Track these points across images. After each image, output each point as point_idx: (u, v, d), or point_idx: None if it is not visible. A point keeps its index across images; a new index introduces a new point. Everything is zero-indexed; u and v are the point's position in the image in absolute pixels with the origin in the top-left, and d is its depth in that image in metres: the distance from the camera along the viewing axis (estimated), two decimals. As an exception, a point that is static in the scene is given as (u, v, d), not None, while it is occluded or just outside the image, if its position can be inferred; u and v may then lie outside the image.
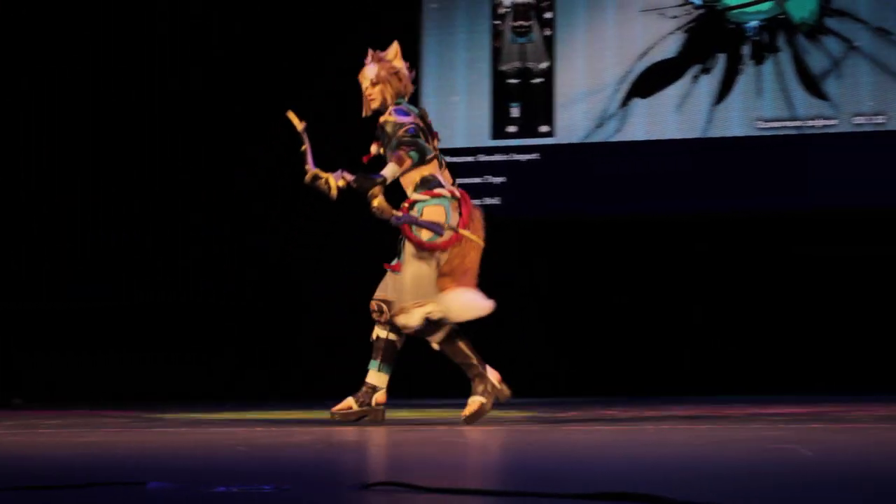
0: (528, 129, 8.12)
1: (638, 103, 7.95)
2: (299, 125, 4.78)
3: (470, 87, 8.19)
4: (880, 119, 7.63)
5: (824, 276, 7.63)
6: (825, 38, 7.74)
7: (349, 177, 4.66)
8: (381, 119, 4.86)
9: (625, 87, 7.97)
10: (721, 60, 7.87)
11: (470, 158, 8.14)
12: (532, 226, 8.14)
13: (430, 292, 4.60)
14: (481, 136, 8.16)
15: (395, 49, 5.00)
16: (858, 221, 7.66)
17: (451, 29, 8.26)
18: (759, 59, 7.82)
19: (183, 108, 8.38)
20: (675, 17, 7.97)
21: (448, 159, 8.00)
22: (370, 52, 4.97)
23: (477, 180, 8.10)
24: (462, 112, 8.18)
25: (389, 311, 4.68)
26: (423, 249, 4.63)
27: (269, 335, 8.26)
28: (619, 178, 7.93)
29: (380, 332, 4.77)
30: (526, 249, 8.13)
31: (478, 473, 3.00)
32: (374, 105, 4.88)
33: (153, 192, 8.48)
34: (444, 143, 8.04)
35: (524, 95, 8.13)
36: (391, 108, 4.85)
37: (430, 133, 4.92)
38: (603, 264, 8.05)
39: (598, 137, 7.99)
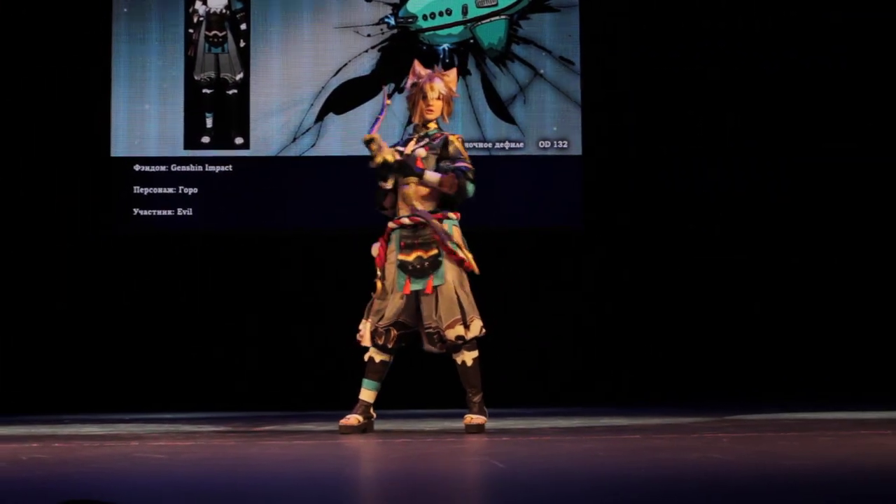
0: (222, 141, 7.99)
1: (333, 119, 7.99)
2: (387, 100, 5.40)
3: (163, 96, 7.97)
4: (563, 144, 8.00)
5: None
6: (512, 65, 8.05)
7: (398, 155, 5.01)
8: (451, 137, 5.10)
9: (320, 103, 7.99)
10: (414, 80, 8.01)
11: (163, 168, 7.93)
12: (224, 238, 8.01)
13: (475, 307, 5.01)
14: (175, 145, 7.96)
15: (455, 78, 5.25)
16: (538, 239, 8.00)
17: (143, 35, 8.01)
18: (450, 81, 8.01)
19: None
20: (369, 35, 8.06)
21: (140, 169, 7.91)
22: (435, 67, 5.33)
23: (170, 190, 7.91)
24: (154, 121, 7.95)
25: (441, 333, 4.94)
26: (464, 267, 4.98)
27: None
28: (313, 193, 7.93)
29: (375, 354, 5.03)
30: (215, 262, 8.00)
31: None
32: (431, 116, 5.13)
33: None
34: (136, 152, 7.94)
35: (219, 106, 8.00)
36: (460, 137, 5.16)
37: None
38: (295, 278, 8.02)
39: (292, 152, 7.97)
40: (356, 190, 7.88)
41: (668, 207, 8.07)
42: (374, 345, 5.02)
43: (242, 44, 8.05)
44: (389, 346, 5.01)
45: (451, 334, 4.91)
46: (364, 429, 5.00)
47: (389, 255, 5.05)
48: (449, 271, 4.94)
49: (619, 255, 8.05)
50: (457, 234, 5.05)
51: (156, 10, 8.05)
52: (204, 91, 8.01)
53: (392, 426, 5.51)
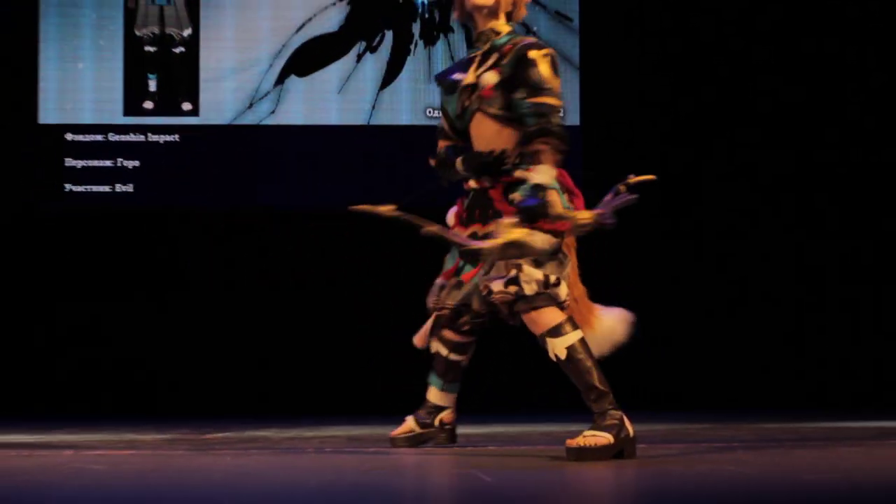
0: (167, 107, 7.97)
1: (295, 82, 7.98)
2: (386, 210, 4.27)
3: (99, 54, 7.95)
4: (558, 112, 8.01)
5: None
6: (501, 21, 8.04)
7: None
8: (531, 53, 4.16)
9: (280, 63, 7.99)
10: (389, 38, 8.03)
11: (99, 137, 7.91)
12: (168, 217, 8.00)
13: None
14: (113, 112, 7.94)
15: None
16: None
17: (76, -18, 8.01)
18: (429, 39, 8.03)
19: None
20: (338, -15, 8.07)
21: (73, 137, 7.88)
22: None
23: (107, 163, 7.90)
24: (89, 83, 7.93)
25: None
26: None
27: None
28: (271, 168, 7.93)
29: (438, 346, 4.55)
30: (158, 245, 7.99)
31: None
32: (480, 0, 4.24)
33: None
34: (68, 119, 7.91)
35: (163, 67, 7.98)
36: (548, 52, 4.20)
37: None
38: (249, 260, 8.01)
39: (248, 119, 7.96)
40: (320, 164, 7.93)
41: (678, 186, 8.07)
42: (435, 330, 4.48)
43: (191, -6, 8.05)
44: (462, 330, 4.45)
45: (497, 285, 4.10)
46: (421, 439, 4.59)
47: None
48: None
49: (623, 247, 8.07)
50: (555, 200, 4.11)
51: (90, -46, 8.03)
52: (146, 49, 7.99)
53: (369, 432, 5.53)
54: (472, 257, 4.12)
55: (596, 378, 4.03)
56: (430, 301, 4.45)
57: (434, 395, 4.59)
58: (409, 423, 4.61)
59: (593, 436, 3.95)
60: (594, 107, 8.01)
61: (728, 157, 8.14)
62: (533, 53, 4.16)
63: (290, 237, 7.99)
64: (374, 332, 7.75)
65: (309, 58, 8.02)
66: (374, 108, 7.94)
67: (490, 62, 4.22)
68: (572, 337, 4.06)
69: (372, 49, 8.04)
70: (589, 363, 4.04)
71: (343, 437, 5.25)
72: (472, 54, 4.33)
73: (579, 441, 3.93)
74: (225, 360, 7.90)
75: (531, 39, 4.28)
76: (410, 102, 7.96)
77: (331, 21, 8.04)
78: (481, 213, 4.24)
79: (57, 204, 7.91)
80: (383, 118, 7.95)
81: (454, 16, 4.40)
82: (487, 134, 4.25)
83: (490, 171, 4.22)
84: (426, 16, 8.04)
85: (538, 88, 4.14)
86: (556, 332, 4.05)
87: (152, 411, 7.50)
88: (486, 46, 4.27)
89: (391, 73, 8.00)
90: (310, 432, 5.64)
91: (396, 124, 7.92)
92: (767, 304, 8.11)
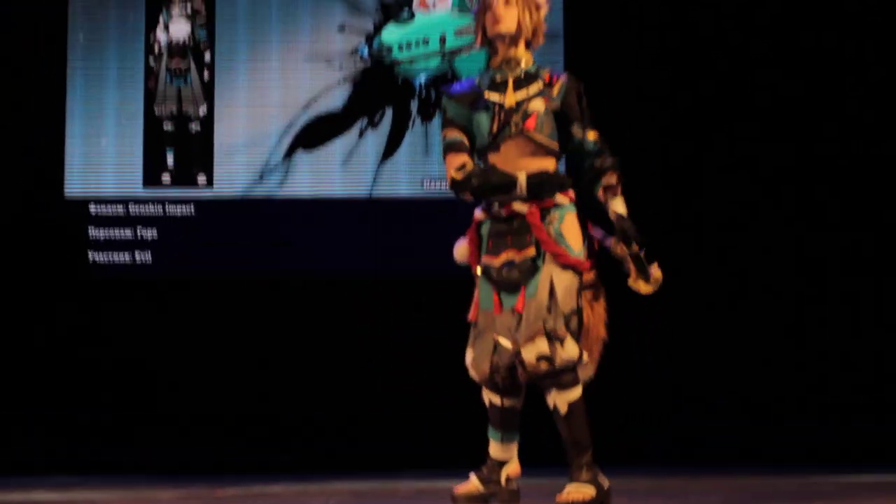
0: (184, 179, 8.16)
1: (302, 156, 8.17)
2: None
3: (120, 130, 8.14)
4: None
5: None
6: (495, 99, 8.20)
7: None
8: (580, 86, 4.23)
9: (288, 139, 8.18)
10: (388, 115, 8.23)
11: (120, 208, 8.09)
12: (185, 285, 8.13)
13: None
14: (133, 183, 8.13)
15: None
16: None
17: (101, 65, 8.19)
18: (426, 115, 8.22)
19: None
20: (341, 67, 8.26)
21: (96, 209, 8.02)
22: None
23: (128, 233, 8.06)
24: (111, 157, 8.11)
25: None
26: (578, 271, 4.10)
27: None
28: (281, 236, 8.10)
29: (492, 397, 4.18)
30: (178, 310, 8.11)
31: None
32: (501, 28, 4.14)
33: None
34: (90, 191, 8.07)
35: (181, 142, 8.17)
36: (574, 76, 4.25)
37: None
38: (260, 327, 8.14)
39: (259, 190, 8.12)
40: (326, 233, 8.08)
41: (678, 179, 7.99)
42: (489, 385, 4.15)
43: (206, 75, 8.23)
44: (507, 383, 4.11)
45: (529, 353, 3.96)
46: (484, 498, 4.20)
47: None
48: (550, 276, 4.03)
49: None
50: (571, 223, 4.13)
51: (114, 38, 8.22)
52: (165, 126, 8.18)
53: (373, 487, 5.61)
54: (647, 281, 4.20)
55: (586, 434, 4.03)
56: (484, 373, 4.12)
57: (495, 449, 4.23)
58: (473, 481, 4.24)
59: (578, 490, 3.97)
60: (593, 101, 8.00)
61: (728, 151, 8.09)
62: (581, 87, 4.23)
63: (297, 301, 8.05)
64: (375, 333, 7.89)
65: (315, 133, 8.19)
66: (374, 179, 8.12)
67: (534, 89, 4.18)
68: (576, 392, 4.02)
69: (373, 125, 8.23)
70: (584, 419, 4.02)
71: (347, 492, 5.32)
72: (500, 77, 4.20)
73: (566, 498, 3.97)
74: (225, 360, 7.96)
75: (565, 73, 4.29)
76: (408, 174, 8.13)
77: (335, 100, 8.24)
78: (515, 238, 4.09)
79: (81, 273, 8.02)
80: (383, 188, 8.12)
81: (475, 43, 4.28)
82: (518, 155, 4.13)
83: (554, 191, 4.14)
84: (423, 94, 8.24)
85: (590, 122, 4.24)
86: (563, 385, 4.02)
87: (152, 411, 7.54)
88: (518, 72, 4.20)
89: (391, 146, 8.17)
90: (316, 486, 5.73)
91: (395, 196, 8.09)
92: (768, 297, 8.02)
